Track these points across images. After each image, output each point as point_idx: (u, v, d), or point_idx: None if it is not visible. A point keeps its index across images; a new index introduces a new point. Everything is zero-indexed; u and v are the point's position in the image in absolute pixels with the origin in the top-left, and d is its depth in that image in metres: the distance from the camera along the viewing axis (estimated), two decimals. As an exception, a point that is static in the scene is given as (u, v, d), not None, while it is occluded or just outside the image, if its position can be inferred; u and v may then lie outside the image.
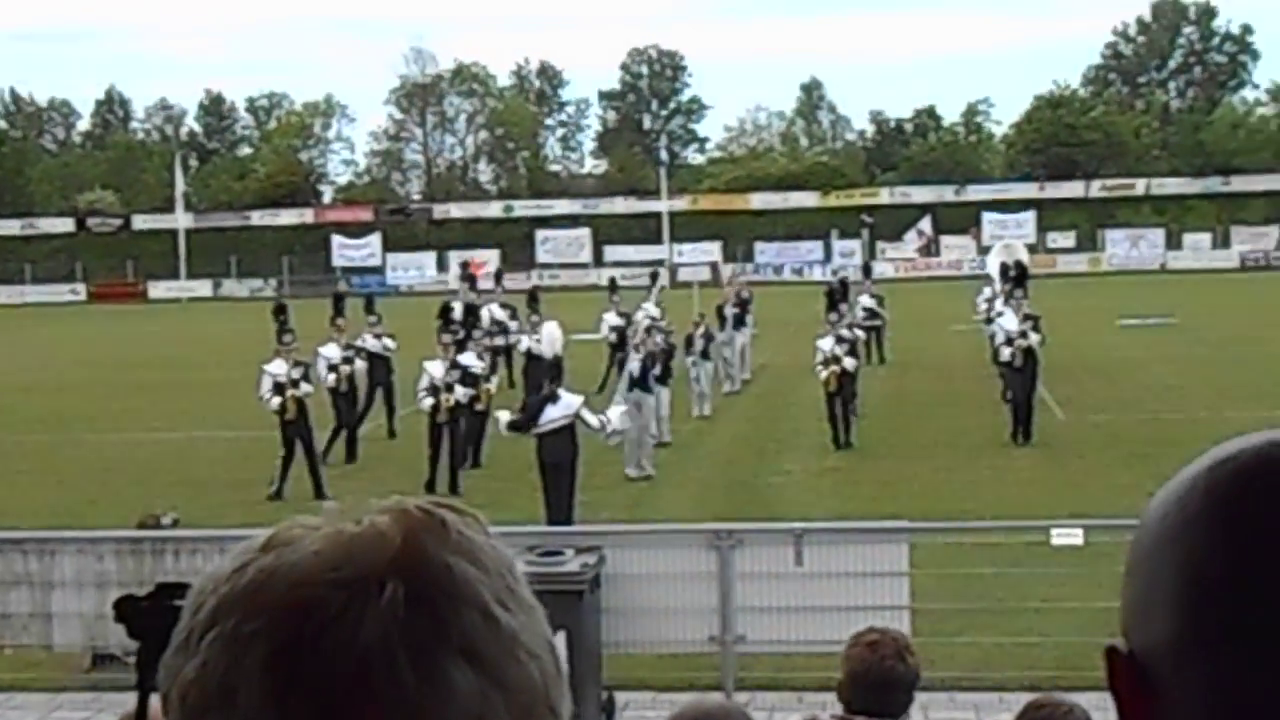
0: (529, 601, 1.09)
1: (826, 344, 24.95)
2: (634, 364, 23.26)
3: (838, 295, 26.98)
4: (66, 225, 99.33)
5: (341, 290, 28.96)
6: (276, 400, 21.84)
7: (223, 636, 1.03)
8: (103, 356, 46.43)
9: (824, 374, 24.64)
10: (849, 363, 24.74)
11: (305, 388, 22.02)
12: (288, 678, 1.00)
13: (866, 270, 42.77)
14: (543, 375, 24.66)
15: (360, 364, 25.26)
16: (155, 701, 1.15)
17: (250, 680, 1.01)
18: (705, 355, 28.95)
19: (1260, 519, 1.05)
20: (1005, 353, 24.96)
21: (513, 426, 19.34)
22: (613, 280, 37.67)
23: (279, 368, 22.04)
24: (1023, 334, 24.50)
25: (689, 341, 28.90)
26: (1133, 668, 1.09)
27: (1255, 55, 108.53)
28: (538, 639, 1.08)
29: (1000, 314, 27.54)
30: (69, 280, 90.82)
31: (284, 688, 1.00)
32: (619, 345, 30.25)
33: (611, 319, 32.40)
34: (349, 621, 1.01)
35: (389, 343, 27.29)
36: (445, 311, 24.38)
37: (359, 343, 26.44)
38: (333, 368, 24.55)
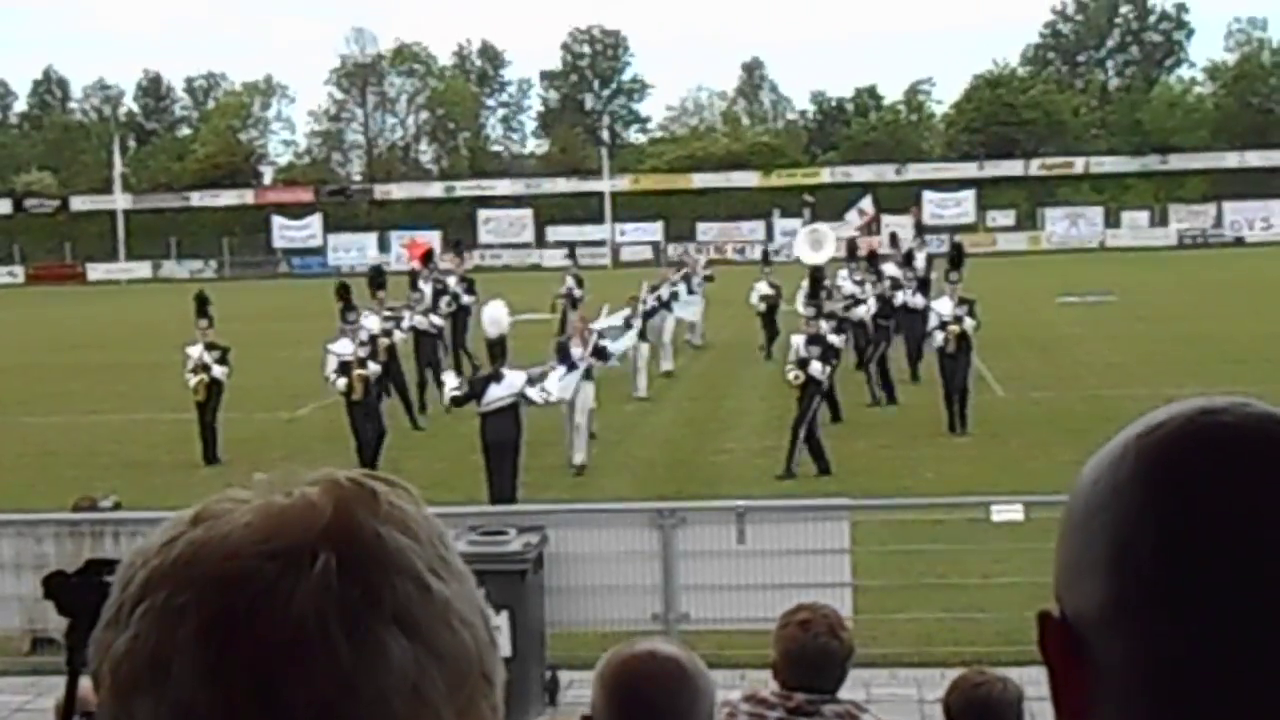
0: (461, 570, 1.09)
1: (946, 306, 24.01)
2: (576, 349, 21.85)
3: (958, 258, 26.14)
4: (4, 207, 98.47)
5: (382, 265, 29.22)
6: (342, 381, 21.38)
7: (154, 610, 1.02)
8: (41, 339, 46.09)
9: (940, 336, 23.65)
10: (970, 323, 23.60)
11: (373, 366, 21.77)
12: (221, 650, 1.00)
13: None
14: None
15: (399, 335, 25.21)
16: (86, 682, 1.14)
17: (183, 653, 1.00)
18: (644, 335, 28.82)
19: (1187, 486, 1.06)
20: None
21: (455, 401, 19.30)
22: (765, 252, 40.80)
23: (345, 347, 21.63)
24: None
25: (627, 322, 28.80)
26: (1064, 632, 1.10)
27: (1190, 33, 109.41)
28: (470, 607, 1.07)
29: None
30: (6, 262, 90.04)
31: (217, 660, 0.99)
32: (769, 315, 33.67)
33: (762, 288, 34.34)
34: (281, 592, 1.00)
35: (436, 320, 27.50)
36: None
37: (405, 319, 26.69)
38: (372, 339, 23.68)
